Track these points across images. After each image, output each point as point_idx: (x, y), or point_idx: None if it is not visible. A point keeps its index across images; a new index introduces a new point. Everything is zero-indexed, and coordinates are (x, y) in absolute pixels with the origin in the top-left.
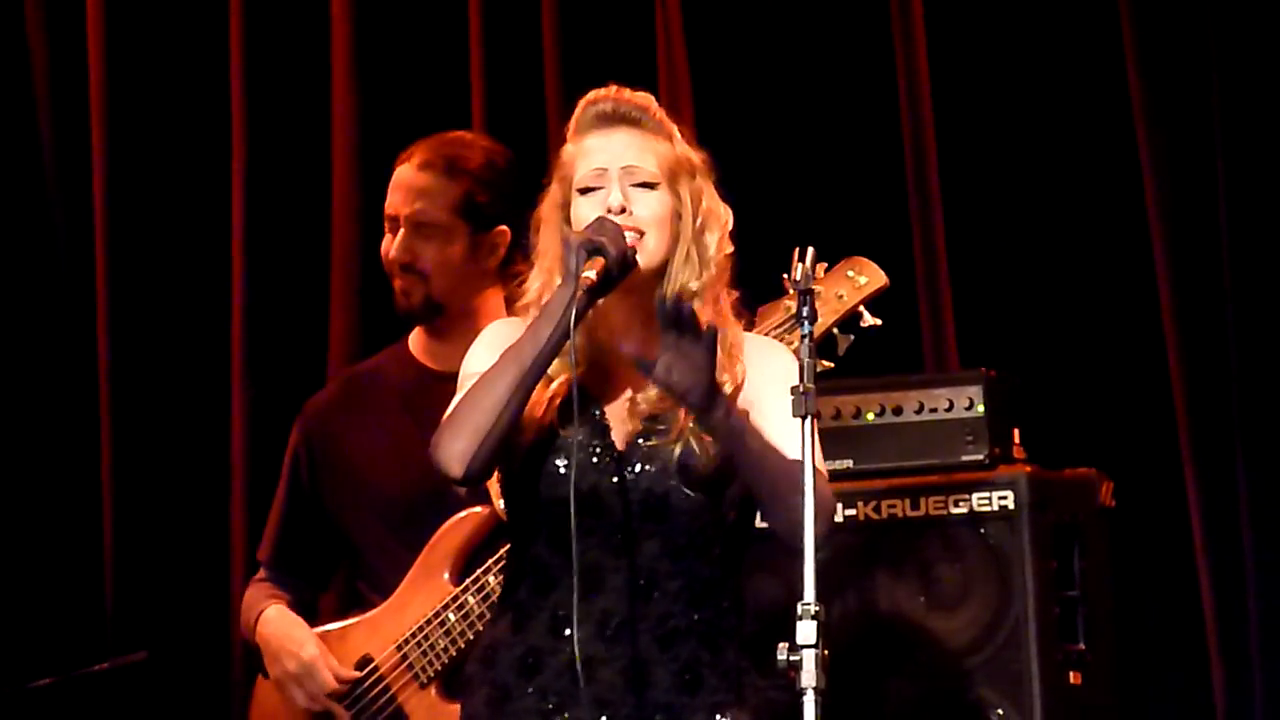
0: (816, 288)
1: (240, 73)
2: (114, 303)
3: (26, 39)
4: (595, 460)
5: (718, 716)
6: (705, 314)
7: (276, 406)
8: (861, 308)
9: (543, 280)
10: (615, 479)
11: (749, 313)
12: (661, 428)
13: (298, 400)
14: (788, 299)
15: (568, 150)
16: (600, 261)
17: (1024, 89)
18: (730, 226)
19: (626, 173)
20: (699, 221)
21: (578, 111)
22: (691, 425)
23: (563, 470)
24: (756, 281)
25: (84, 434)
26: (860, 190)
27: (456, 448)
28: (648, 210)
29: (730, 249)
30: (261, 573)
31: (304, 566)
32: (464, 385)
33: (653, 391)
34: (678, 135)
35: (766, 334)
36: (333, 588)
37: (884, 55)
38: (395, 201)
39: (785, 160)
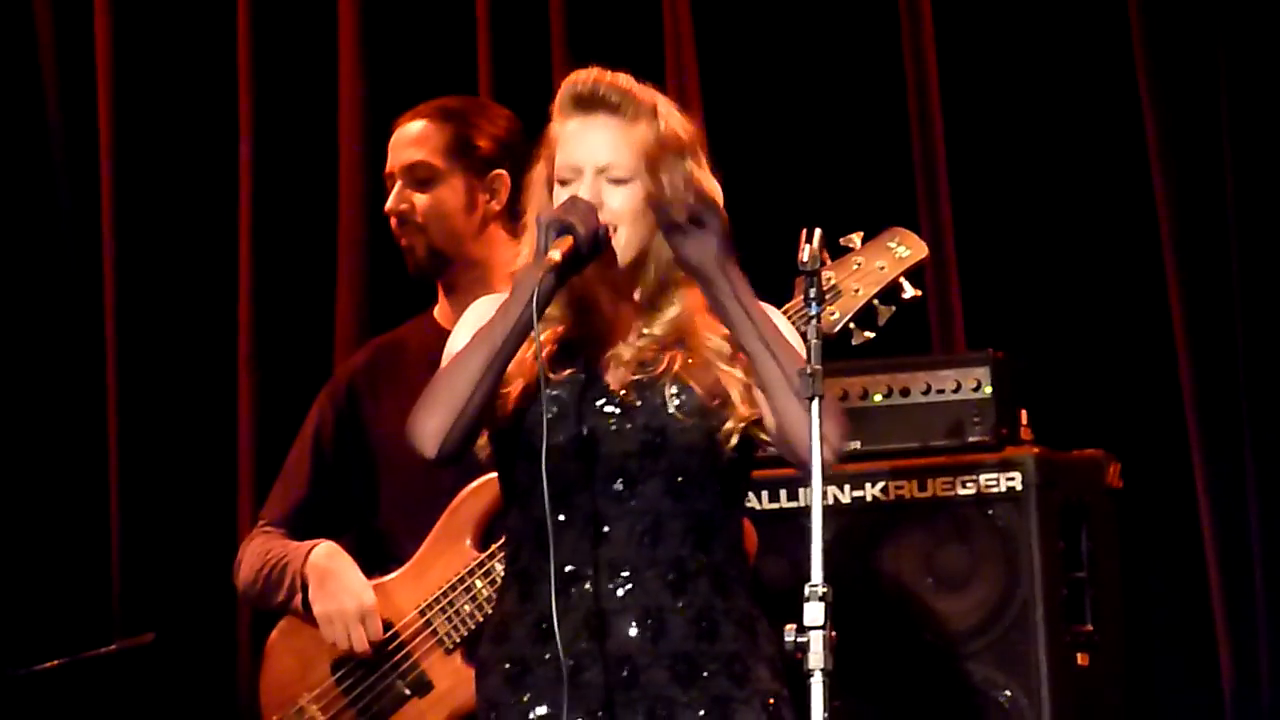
0: (857, 259)
1: (247, 55)
2: (121, 287)
3: (34, 22)
4: (590, 401)
5: (735, 666)
6: (691, 295)
7: (283, 389)
8: (902, 279)
9: (528, 254)
10: (610, 418)
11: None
12: (651, 369)
13: (305, 383)
14: (824, 270)
15: (553, 129)
16: (568, 241)
17: (1030, 70)
18: (717, 200)
19: (601, 169)
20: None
21: (560, 91)
22: (682, 363)
23: (556, 412)
24: (763, 268)
25: (91, 417)
26: (867, 172)
27: (430, 426)
28: (620, 205)
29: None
30: (267, 528)
31: (312, 534)
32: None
33: (641, 341)
34: (662, 110)
35: (799, 308)
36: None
37: (890, 38)
38: (390, 160)
39: (792, 140)
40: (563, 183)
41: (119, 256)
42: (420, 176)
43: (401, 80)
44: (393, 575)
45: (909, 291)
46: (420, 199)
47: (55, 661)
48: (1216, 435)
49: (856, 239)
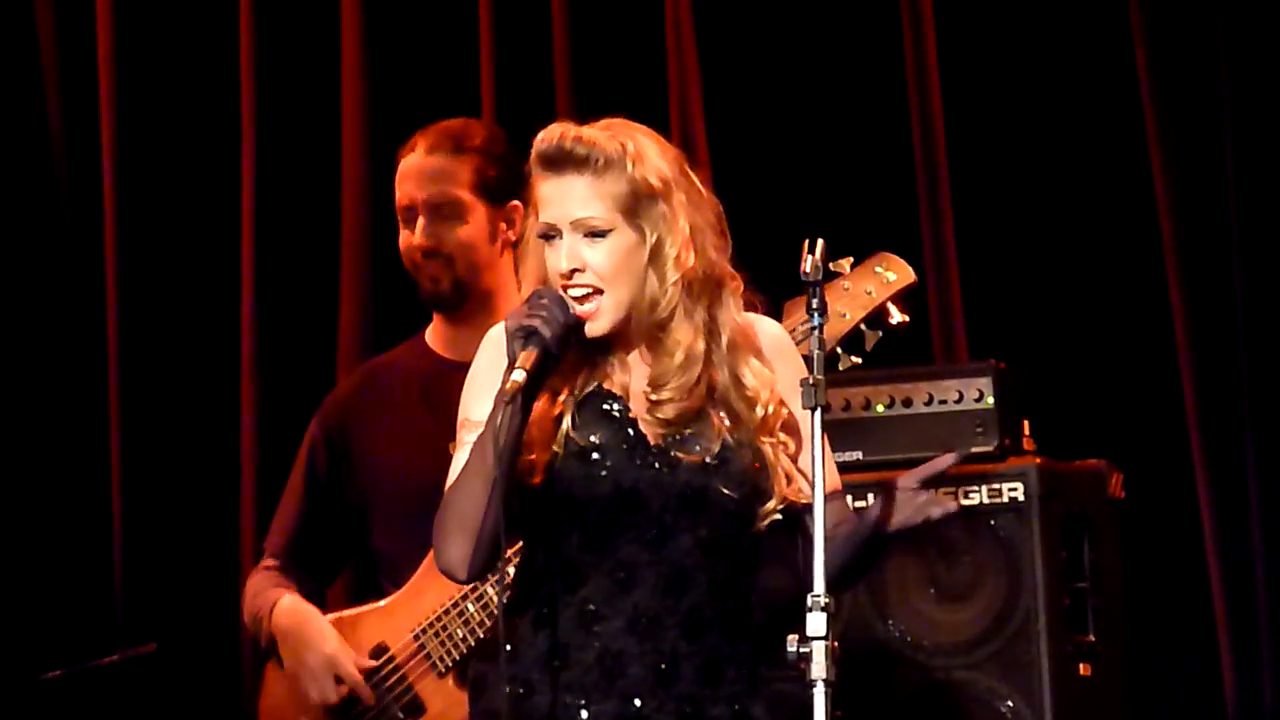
0: (845, 283)
1: (250, 63)
2: (124, 294)
3: (35, 28)
4: (632, 456)
5: (736, 707)
6: (687, 333)
7: (286, 397)
8: (889, 304)
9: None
10: (654, 473)
11: (762, 296)
12: (690, 431)
13: (308, 391)
14: None
15: (534, 187)
16: (533, 354)
17: (1033, 81)
18: (697, 240)
19: (576, 225)
20: (655, 242)
21: (532, 151)
22: (728, 426)
23: (603, 473)
24: (770, 276)
25: (94, 425)
26: (870, 183)
27: (455, 555)
28: (599, 264)
29: (692, 260)
30: (269, 561)
31: (313, 562)
32: (459, 435)
33: (673, 394)
34: (632, 153)
35: (793, 329)
36: (350, 582)
37: (893, 49)
38: (408, 190)
39: (795, 153)
40: (545, 238)
41: (121, 265)
42: (447, 213)
43: (404, 87)
44: (389, 600)
45: (896, 316)
46: (449, 234)
47: (58, 671)
48: (1218, 445)
49: (845, 264)
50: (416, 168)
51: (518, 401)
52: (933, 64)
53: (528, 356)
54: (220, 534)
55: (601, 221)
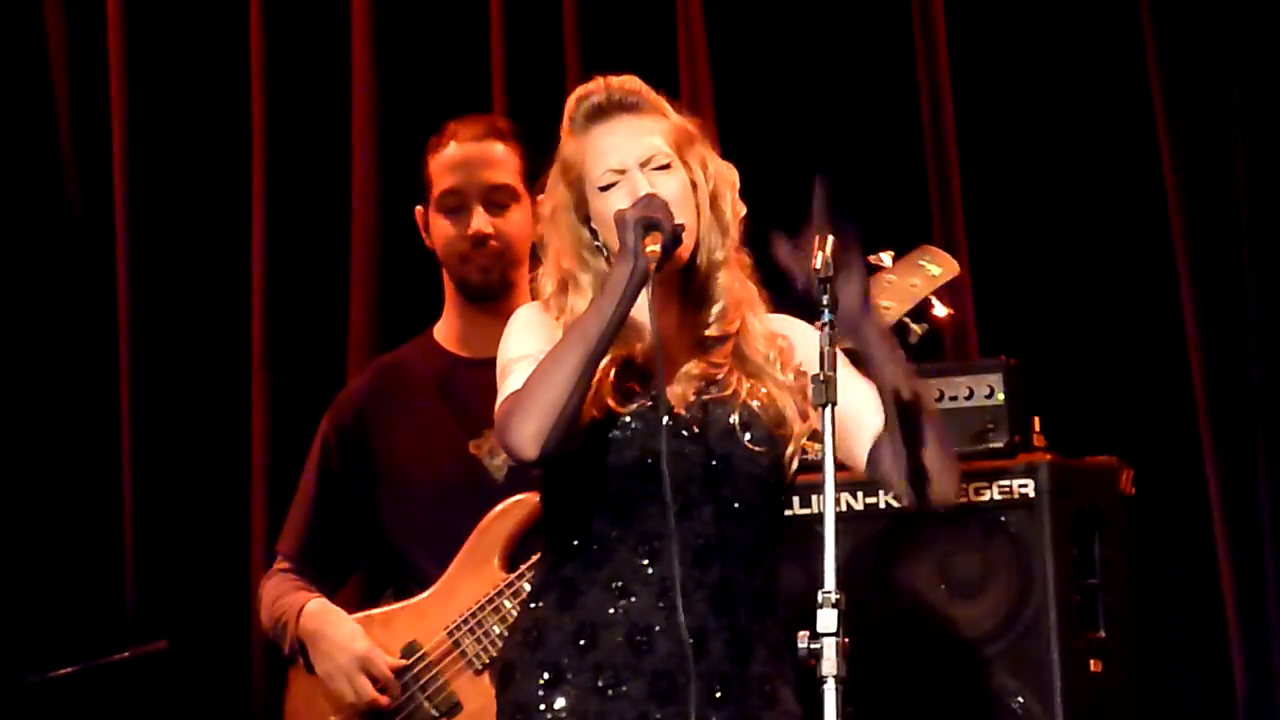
0: (889, 276)
1: (260, 60)
2: (134, 292)
3: (45, 27)
4: (657, 425)
5: (765, 687)
6: (730, 279)
7: (296, 395)
8: (932, 297)
9: (557, 280)
10: (679, 441)
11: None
12: (715, 392)
13: (318, 389)
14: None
15: (570, 149)
16: (659, 236)
17: (1044, 76)
18: (738, 185)
19: (643, 160)
20: (712, 186)
21: (570, 109)
22: (747, 387)
23: (630, 435)
24: (774, 276)
25: (104, 423)
26: (880, 179)
27: (529, 429)
28: (670, 193)
29: (744, 209)
30: (282, 564)
31: (327, 563)
32: (505, 371)
33: (702, 359)
34: (669, 107)
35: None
36: (359, 583)
37: (904, 43)
38: (462, 178)
39: (806, 150)
40: (606, 189)
41: (132, 262)
42: (501, 200)
43: (415, 83)
44: (421, 597)
45: (940, 310)
46: (506, 223)
47: (69, 668)
48: (1229, 441)
49: (886, 257)
50: (468, 155)
51: (646, 277)
52: (944, 61)
53: (654, 238)
54: (231, 531)
55: (665, 155)
